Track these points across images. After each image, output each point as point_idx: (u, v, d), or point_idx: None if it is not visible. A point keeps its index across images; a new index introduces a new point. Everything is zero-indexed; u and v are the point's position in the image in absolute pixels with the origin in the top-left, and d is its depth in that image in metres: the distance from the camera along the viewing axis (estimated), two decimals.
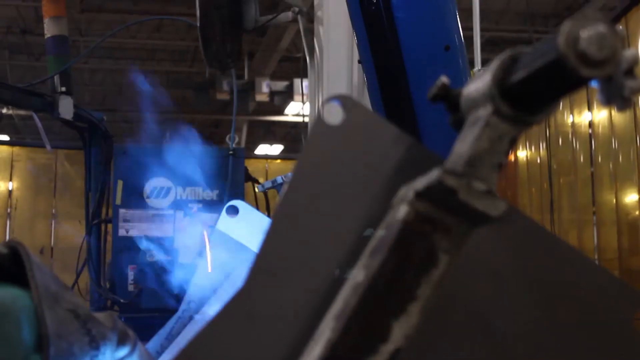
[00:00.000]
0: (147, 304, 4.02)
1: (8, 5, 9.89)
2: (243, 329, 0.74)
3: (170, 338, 2.36)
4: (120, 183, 4.28)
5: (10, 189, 8.69)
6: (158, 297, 3.83)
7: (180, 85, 12.13)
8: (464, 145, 0.65)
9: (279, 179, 3.87)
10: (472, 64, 3.21)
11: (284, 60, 10.97)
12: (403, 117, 2.40)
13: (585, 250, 6.67)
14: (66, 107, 4.67)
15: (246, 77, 11.02)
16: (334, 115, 0.80)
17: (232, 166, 4.29)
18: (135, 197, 4.23)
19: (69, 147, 7.97)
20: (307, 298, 0.74)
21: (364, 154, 0.80)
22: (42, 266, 1.03)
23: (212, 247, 2.51)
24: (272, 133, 14.52)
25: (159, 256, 4.08)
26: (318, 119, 0.80)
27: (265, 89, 11.38)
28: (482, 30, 3.68)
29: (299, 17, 4.00)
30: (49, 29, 4.82)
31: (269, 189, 4.06)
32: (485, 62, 2.77)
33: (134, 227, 4.22)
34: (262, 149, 13.78)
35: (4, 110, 9.42)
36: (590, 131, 6.95)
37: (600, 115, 6.75)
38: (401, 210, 0.64)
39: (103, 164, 4.76)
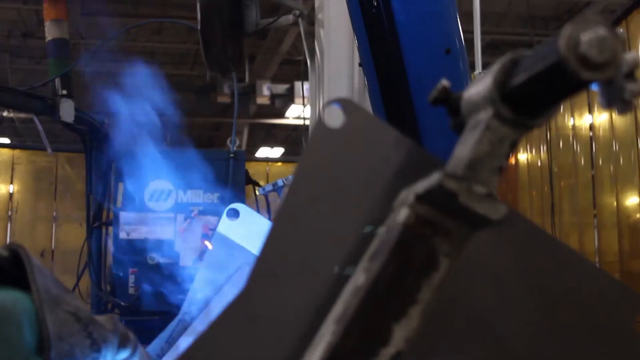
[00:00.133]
0: (147, 306, 4.02)
1: (9, 8, 9.88)
2: (244, 331, 0.74)
3: (171, 341, 2.35)
4: (121, 186, 4.29)
5: (11, 191, 8.70)
6: (159, 300, 3.84)
7: (181, 88, 12.11)
8: (464, 148, 0.65)
9: (280, 182, 3.87)
10: (472, 67, 3.21)
11: (285, 63, 10.96)
12: (404, 120, 2.40)
13: (586, 253, 6.67)
14: (67, 110, 4.68)
15: (247, 80, 11.01)
16: (335, 118, 0.80)
17: (232, 169, 4.30)
18: (136, 200, 4.23)
19: (70, 150, 7.99)
20: (309, 300, 0.74)
21: (364, 157, 0.80)
22: (43, 269, 1.03)
23: (213, 250, 2.51)
24: (273, 136, 14.52)
25: (160, 259, 4.08)
26: (319, 122, 0.80)
27: (266, 91, 11.38)
28: (482, 33, 3.68)
29: (299, 20, 4.00)
30: (50, 32, 4.83)
31: (269, 191, 4.06)
32: (485, 66, 2.77)
33: (135, 230, 4.22)
34: (263, 152, 13.78)
35: (5, 113, 9.41)
36: (591, 134, 6.95)
37: (601, 118, 6.75)
38: (402, 214, 0.64)
39: (104, 167, 4.76)
